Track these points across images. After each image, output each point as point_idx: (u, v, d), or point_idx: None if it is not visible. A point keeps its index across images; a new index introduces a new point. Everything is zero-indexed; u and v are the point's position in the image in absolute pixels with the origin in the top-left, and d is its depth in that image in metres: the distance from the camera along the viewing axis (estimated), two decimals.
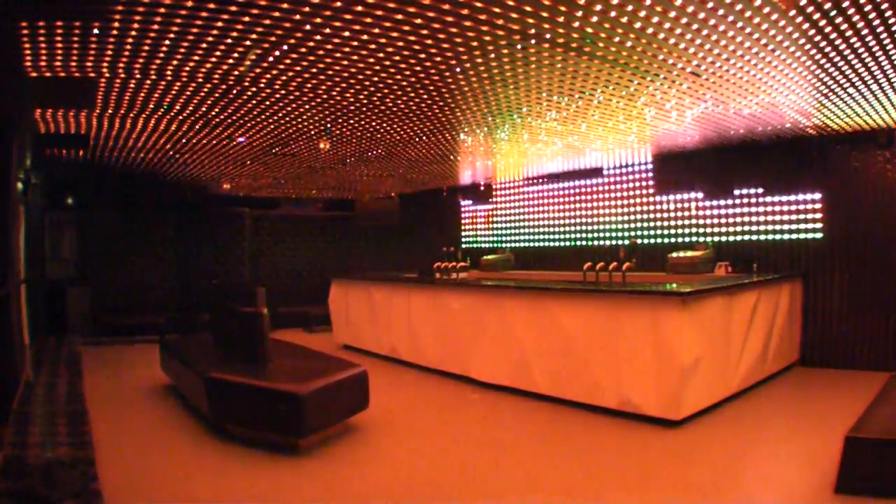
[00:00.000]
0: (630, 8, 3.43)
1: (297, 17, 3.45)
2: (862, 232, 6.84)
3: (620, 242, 8.74)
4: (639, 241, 8.60)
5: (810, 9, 3.45)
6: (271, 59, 4.15)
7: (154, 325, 10.15)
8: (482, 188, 11.43)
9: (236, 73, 4.42)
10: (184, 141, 6.78)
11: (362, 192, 12.18)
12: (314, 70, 4.42)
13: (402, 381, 7.10)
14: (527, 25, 3.67)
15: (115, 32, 3.55)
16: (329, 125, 6.26)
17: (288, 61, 4.22)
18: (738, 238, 7.72)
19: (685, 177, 8.22)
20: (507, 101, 5.52)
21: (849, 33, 3.81)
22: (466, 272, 8.57)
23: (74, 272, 11.09)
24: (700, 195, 8.06)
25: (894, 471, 3.36)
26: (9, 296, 4.73)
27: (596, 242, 9.26)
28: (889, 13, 3.52)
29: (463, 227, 12.02)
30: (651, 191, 8.65)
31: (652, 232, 8.64)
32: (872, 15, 3.54)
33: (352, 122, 6.12)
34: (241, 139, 6.80)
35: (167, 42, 3.77)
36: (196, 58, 4.08)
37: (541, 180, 10.31)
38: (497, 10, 3.43)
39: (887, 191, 6.68)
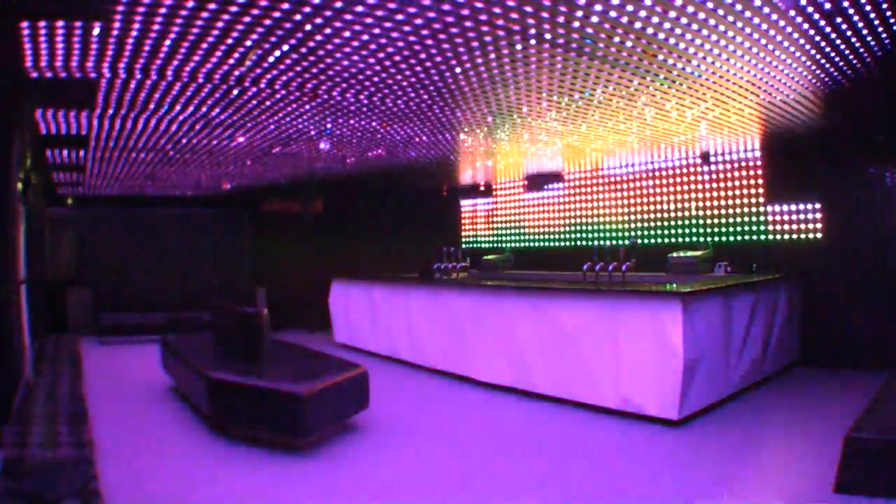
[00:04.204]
0: (630, 8, 3.43)
1: (298, 17, 3.46)
2: (862, 232, 6.84)
3: (620, 242, 8.74)
4: (639, 241, 8.61)
5: (810, 9, 3.46)
6: (271, 59, 4.15)
7: (154, 325, 10.16)
8: (482, 188, 11.42)
9: (237, 73, 4.42)
10: (184, 141, 6.78)
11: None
12: (314, 70, 4.42)
13: (402, 381, 7.10)
14: (527, 25, 3.67)
15: (115, 32, 3.55)
16: (329, 125, 6.26)
17: (288, 61, 4.22)
18: (738, 238, 7.72)
19: None
20: (507, 101, 5.52)
21: (849, 33, 3.82)
22: (466, 272, 8.58)
23: (74, 272, 11.09)
24: None
25: (894, 471, 3.36)
26: (9, 296, 4.72)
27: (596, 242, 9.26)
28: (889, 13, 3.52)
29: (463, 227, 12.02)
30: (652, 190, 8.67)
31: (652, 232, 8.65)
32: (872, 15, 3.54)
33: (352, 122, 6.12)
34: (240, 139, 6.80)
35: (168, 42, 3.77)
36: (196, 58, 4.08)
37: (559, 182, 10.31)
38: (497, 10, 3.43)
39: (886, 191, 6.68)
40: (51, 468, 3.25)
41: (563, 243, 9.93)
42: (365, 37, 3.79)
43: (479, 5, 3.37)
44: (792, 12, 3.49)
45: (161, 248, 11.79)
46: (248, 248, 12.50)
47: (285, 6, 3.31)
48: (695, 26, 3.71)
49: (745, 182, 7.71)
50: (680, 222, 8.34)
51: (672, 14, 3.53)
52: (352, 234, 12.90)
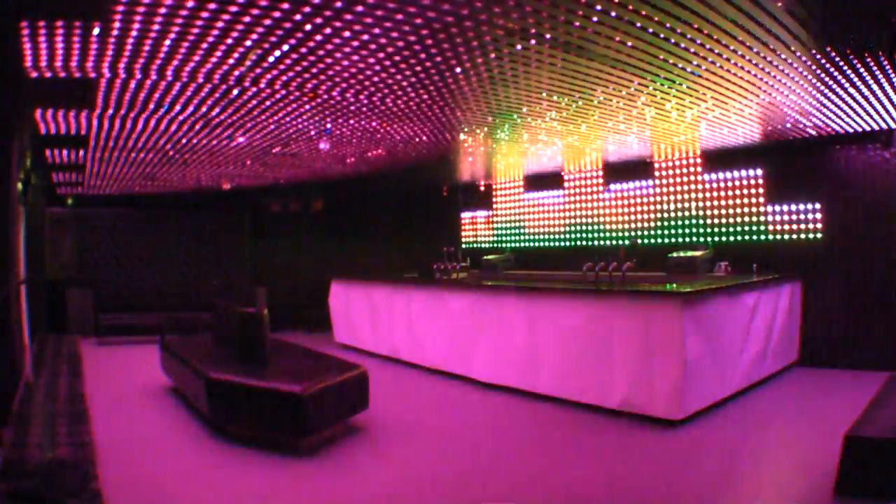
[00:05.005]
0: (630, 8, 3.43)
1: (298, 17, 3.45)
2: (862, 232, 6.84)
3: (620, 242, 8.75)
4: (639, 241, 8.61)
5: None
6: (271, 59, 4.15)
7: (154, 325, 10.14)
8: (482, 189, 11.41)
9: (236, 73, 4.42)
10: (184, 141, 6.78)
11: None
12: (314, 70, 4.42)
13: (403, 382, 7.10)
14: (527, 25, 3.67)
15: (115, 32, 3.55)
16: (329, 125, 6.26)
17: (288, 61, 4.21)
18: (738, 238, 7.72)
19: None
20: (507, 101, 5.52)
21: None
22: (466, 272, 8.57)
23: (74, 272, 11.09)
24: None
25: (894, 471, 3.36)
26: (9, 296, 4.72)
27: (596, 242, 9.27)
28: (889, 13, 3.52)
29: (463, 228, 12.02)
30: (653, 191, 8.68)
31: (652, 232, 8.65)
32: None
33: (352, 122, 6.12)
34: (240, 139, 6.80)
35: (167, 42, 3.77)
36: (196, 58, 4.08)
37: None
38: (497, 9, 3.43)
39: (887, 191, 6.68)
40: (51, 468, 3.25)
41: (563, 243, 9.92)
42: (365, 37, 3.78)
43: (479, 5, 3.36)
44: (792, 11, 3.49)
45: (161, 249, 11.78)
46: (248, 248, 12.50)
47: (285, 6, 3.30)
48: (695, 26, 3.70)
49: (744, 182, 7.70)
50: (680, 222, 8.34)
51: (672, 14, 3.52)
52: (352, 234, 12.90)
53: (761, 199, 7.54)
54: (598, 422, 5.18)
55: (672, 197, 8.42)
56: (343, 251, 12.72)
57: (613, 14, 3.51)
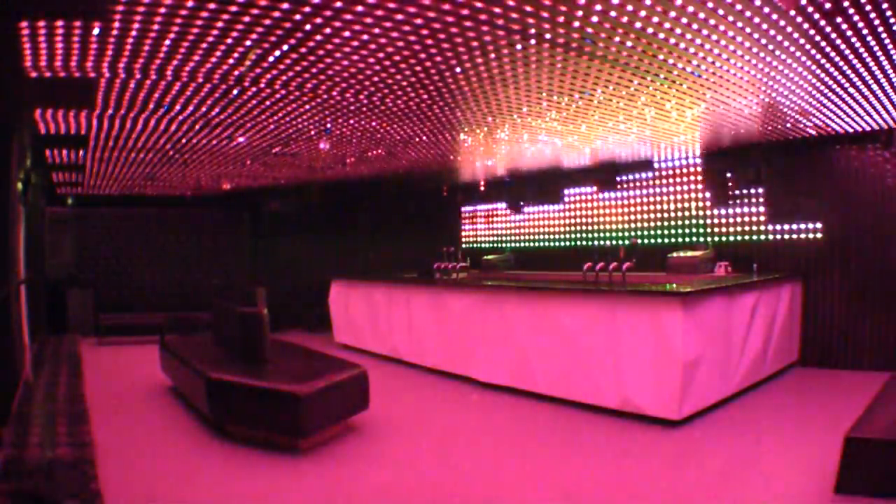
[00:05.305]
0: (630, 8, 3.43)
1: (298, 17, 3.45)
2: (862, 232, 6.84)
3: (620, 242, 8.74)
4: (639, 241, 8.61)
5: (810, 9, 3.45)
6: (271, 59, 4.15)
7: (154, 325, 10.15)
8: (482, 188, 11.41)
9: (236, 73, 4.42)
10: (184, 141, 6.78)
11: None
12: (314, 70, 4.42)
13: (403, 382, 7.10)
14: (527, 25, 3.67)
15: (115, 32, 3.55)
16: (329, 125, 6.26)
17: (288, 61, 4.21)
18: (738, 238, 7.72)
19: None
20: (507, 101, 5.52)
21: (849, 33, 3.81)
22: (466, 272, 8.58)
23: (74, 272, 11.09)
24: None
25: (894, 471, 3.36)
26: (9, 296, 4.72)
27: (596, 242, 9.26)
28: (889, 13, 3.52)
29: (463, 228, 12.02)
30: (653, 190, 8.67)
31: (652, 232, 8.64)
32: (873, 15, 3.54)
33: (352, 122, 6.12)
34: (240, 139, 6.80)
35: (167, 42, 3.77)
36: (196, 58, 4.08)
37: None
38: (497, 10, 3.43)
39: (887, 191, 6.68)
40: (51, 468, 3.25)
41: (563, 243, 9.92)
42: (365, 37, 3.78)
43: (479, 5, 3.36)
44: (792, 12, 3.49)
45: (161, 249, 11.79)
46: (248, 248, 12.50)
47: (285, 6, 3.30)
48: (695, 26, 3.70)
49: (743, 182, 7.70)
50: (680, 222, 8.34)
51: (672, 14, 3.52)
52: (352, 234, 12.90)
53: (761, 199, 7.54)
54: (598, 422, 5.18)
55: (672, 197, 8.42)
56: (343, 251, 12.73)
57: (613, 14, 3.51)
